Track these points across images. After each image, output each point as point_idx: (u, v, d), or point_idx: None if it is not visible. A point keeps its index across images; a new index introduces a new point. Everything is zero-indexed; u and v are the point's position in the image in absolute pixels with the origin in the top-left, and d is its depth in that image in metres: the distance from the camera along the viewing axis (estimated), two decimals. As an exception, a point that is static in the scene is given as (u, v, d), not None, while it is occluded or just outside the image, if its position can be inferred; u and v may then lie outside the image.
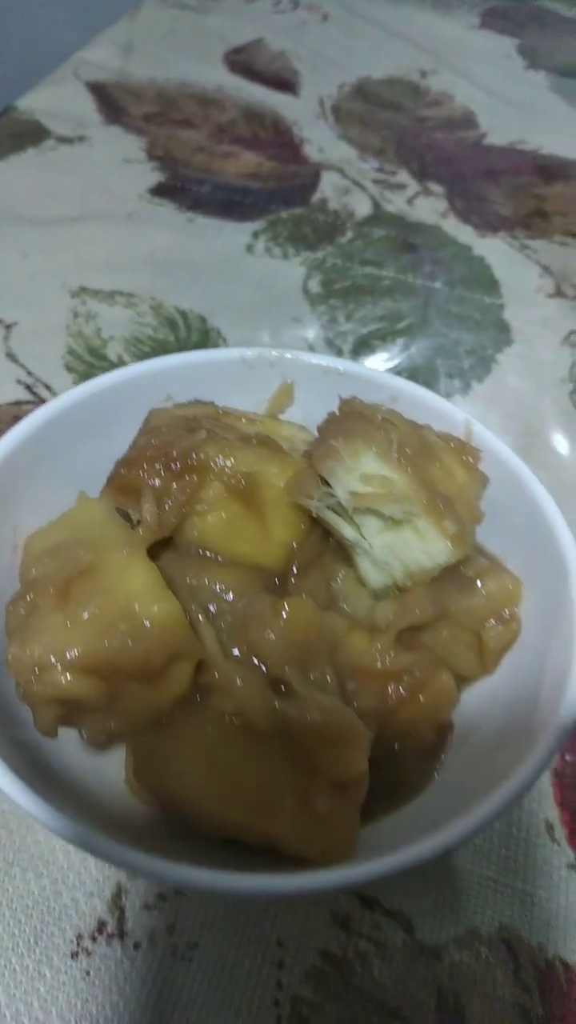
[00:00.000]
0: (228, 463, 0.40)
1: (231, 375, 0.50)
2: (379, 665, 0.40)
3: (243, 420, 0.48)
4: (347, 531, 0.41)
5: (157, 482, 0.40)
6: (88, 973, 0.42)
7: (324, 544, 0.43)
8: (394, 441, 0.41)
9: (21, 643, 0.36)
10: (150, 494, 0.40)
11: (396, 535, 0.41)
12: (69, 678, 0.35)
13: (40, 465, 0.45)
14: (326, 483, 0.41)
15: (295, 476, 0.41)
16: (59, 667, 0.35)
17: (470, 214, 0.93)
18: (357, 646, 0.40)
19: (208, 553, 0.42)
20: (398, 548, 0.41)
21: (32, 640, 0.36)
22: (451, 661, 0.43)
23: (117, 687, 0.36)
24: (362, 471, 0.40)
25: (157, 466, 0.40)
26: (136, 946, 0.43)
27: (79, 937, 0.43)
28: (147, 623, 0.36)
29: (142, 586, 0.37)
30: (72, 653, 0.35)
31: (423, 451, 0.42)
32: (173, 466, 0.40)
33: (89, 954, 0.43)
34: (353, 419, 0.42)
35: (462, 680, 0.44)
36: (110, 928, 0.43)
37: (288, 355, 0.50)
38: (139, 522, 0.42)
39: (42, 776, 0.37)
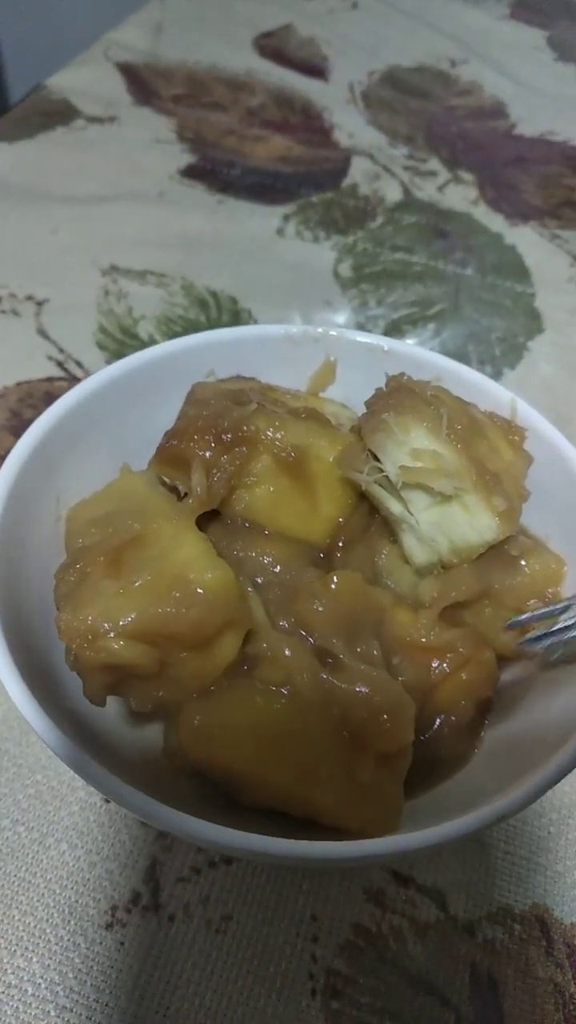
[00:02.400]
0: (278, 436, 0.40)
1: (275, 351, 0.50)
2: (423, 640, 0.40)
3: (286, 396, 0.48)
4: (394, 506, 0.41)
5: (207, 453, 0.40)
6: (122, 944, 0.42)
7: (370, 520, 0.43)
8: (444, 417, 0.41)
9: (73, 609, 0.36)
10: (200, 465, 0.40)
11: (444, 511, 0.41)
12: (122, 644, 0.35)
13: (84, 437, 0.45)
14: (375, 458, 0.41)
15: (345, 450, 0.41)
16: (112, 633, 0.35)
17: (501, 203, 0.93)
18: (402, 621, 0.40)
19: (255, 526, 0.41)
20: (445, 524, 0.41)
21: (84, 606, 0.35)
22: (492, 639, 0.43)
23: (168, 654, 0.36)
24: (412, 446, 0.40)
25: (207, 437, 0.40)
26: (171, 918, 0.43)
27: (113, 908, 0.43)
28: (200, 590, 0.35)
29: (195, 554, 0.37)
30: (126, 619, 0.35)
31: (471, 428, 0.42)
32: (224, 438, 0.40)
33: (124, 925, 0.43)
34: (403, 394, 0.41)
35: (502, 659, 0.44)
36: (144, 900, 0.43)
37: (332, 332, 0.50)
38: (186, 494, 0.42)
39: (85, 742, 0.37)
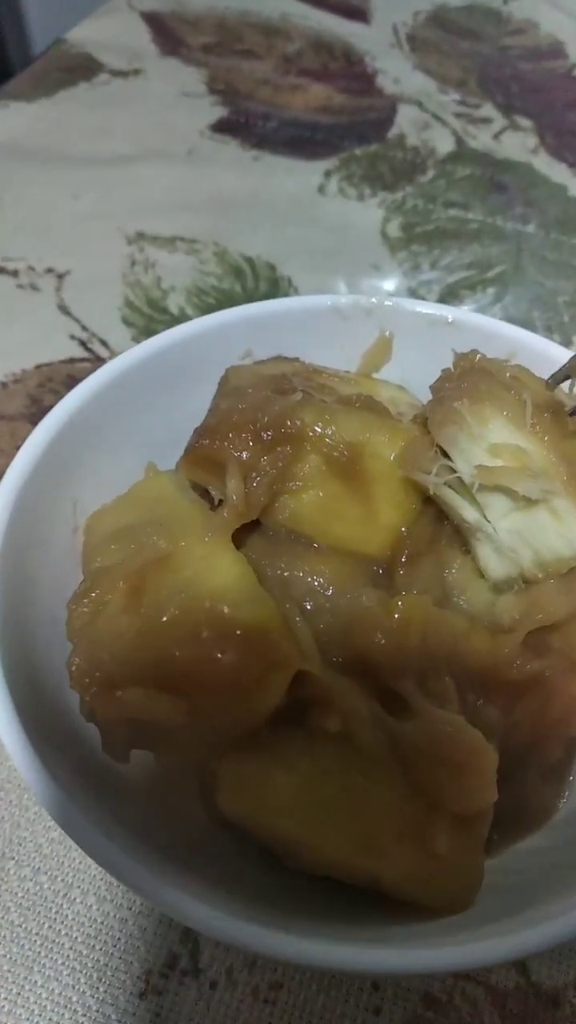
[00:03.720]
0: (328, 431, 0.34)
1: (321, 327, 0.43)
2: (507, 673, 0.33)
3: (335, 379, 0.41)
4: (468, 512, 0.34)
5: (245, 454, 0.33)
6: (158, 1015, 0.37)
7: (437, 528, 0.36)
8: (528, 404, 0.34)
9: (86, 651, 0.30)
10: (236, 468, 0.33)
11: (528, 517, 0.34)
12: (143, 695, 0.29)
13: (104, 432, 0.39)
14: (444, 455, 0.34)
15: (408, 446, 0.34)
16: (131, 682, 0.29)
17: (563, 150, 0.84)
18: (480, 649, 0.33)
19: (302, 539, 0.35)
20: (530, 533, 0.34)
21: (99, 648, 0.30)
22: None
23: (200, 704, 0.30)
24: (490, 440, 0.33)
25: (245, 435, 0.33)
26: (212, 985, 0.38)
27: (148, 973, 0.38)
28: (237, 629, 0.29)
29: (230, 581, 0.31)
30: (147, 665, 0.29)
31: (559, 418, 0.35)
32: (264, 435, 0.33)
33: (159, 993, 0.37)
34: (477, 377, 0.35)
35: None
36: (183, 963, 0.38)
37: (387, 302, 0.43)
38: (220, 501, 0.35)
39: (110, 807, 0.31)
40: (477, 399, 0.34)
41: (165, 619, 0.30)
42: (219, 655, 0.29)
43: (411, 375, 0.43)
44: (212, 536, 0.32)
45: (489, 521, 0.34)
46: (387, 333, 0.43)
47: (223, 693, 0.30)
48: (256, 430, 0.34)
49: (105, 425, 0.40)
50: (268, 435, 0.33)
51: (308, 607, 0.33)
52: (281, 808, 0.31)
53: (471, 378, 0.35)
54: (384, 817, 0.31)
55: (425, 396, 0.40)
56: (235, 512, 0.33)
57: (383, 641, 0.32)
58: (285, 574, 0.34)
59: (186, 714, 0.30)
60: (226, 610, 0.30)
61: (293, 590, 0.34)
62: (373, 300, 0.43)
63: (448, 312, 0.42)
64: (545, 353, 0.41)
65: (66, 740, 0.32)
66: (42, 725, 0.31)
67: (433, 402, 0.36)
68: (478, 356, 0.37)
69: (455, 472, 0.34)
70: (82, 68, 0.90)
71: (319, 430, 0.34)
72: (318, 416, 0.34)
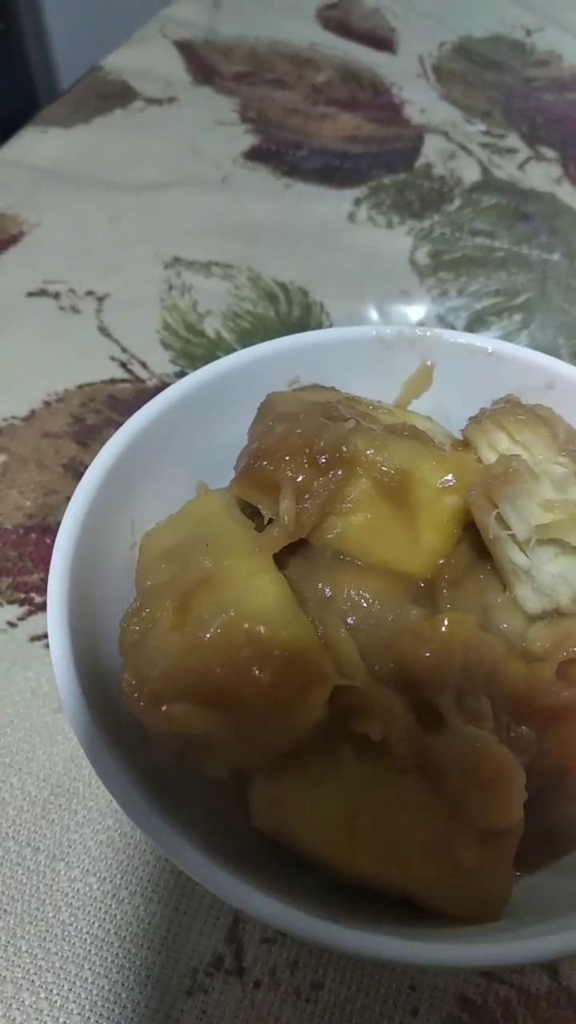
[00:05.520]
0: (380, 457, 0.35)
1: (365, 356, 0.45)
2: (541, 699, 0.35)
3: (372, 408, 0.43)
4: (517, 556, 0.36)
5: (301, 477, 0.35)
6: (204, 1012, 0.39)
7: (477, 555, 0.38)
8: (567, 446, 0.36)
9: (135, 667, 0.32)
10: (291, 490, 0.35)
11: (572, 561, 0.36)
12: (188, 711, 0.31)
13: (160, 454, 0.41)
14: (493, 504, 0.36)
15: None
16: (177, 698, 0.31)
17: (586, 181, 0.86)
18: (517, 674, 0.35)
19: (348, 558, 0.37)
20: (571, 574, 0.36)
21: (147, 664, 0.31)
22: None
23: (243, 719, 0.31)
24: (544, 497, 0.35)
25: (300, 458, 0.35)
26: (256, 984, 0.39)
27: (194, 971, 0.39)
28: (276, 649, 0.31)
29: (269, 602, 0.32)
30: (191, 682, 0.31)
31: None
32: (319, 459, 0.35)
33: (206, 992, 0.39)
34: (534, 423, 0.36)
35: None
36: (227, 963, 0.40)
37: (429, 333, 0.45)
38: (270, 521, 0.37)
39: (158, 798, 0.33)
40: (533, 446, 0.36)
41: (208, 637, 0.31)
42: (257, 672, 0.31)
43: (445, 405, 0.45)
44: (256, 555, 0.34)
45: (533, 563, 0.36)
46: (428, 363, 0.45)
47: (263, 709, 0.31)
48: (312, 454, 0.35)
49: (160, 449, 0.42)
50: (323, 459, 0.35)
51: (351, 621, 0.35)
52: (310, 824, 0.32)
53: (532, 426, 0.37)
54: (412, 831, 0.32)
55: (461, 424, 0.41)
56: (284, 531, 0.35)
57: (428, 655, 0.33)
58: (328, 591, 0.36)
59: (230, 728, 0.31)
60: (263, 630, 0.31)
61: (337, 606, 0.35)
62: (417, 331, 0.45)
63: (488, 343, 0.44)
64: (579, 381, 0.43)
65: (131, 741, 0.34)
66: (111, 729, 0.33)
67: (501, 459, 0.37)
68: (518, 400, 0.39)
69: (510, 531, 0.36)
70: (117, 95, 0.93)
71: (371, 456, 0.36)
72: (370, 443, 0.36)
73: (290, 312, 0.70)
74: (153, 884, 0.42)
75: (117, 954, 0.40)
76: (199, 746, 0.33)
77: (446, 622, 0.34)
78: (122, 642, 0.34)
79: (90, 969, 0.40)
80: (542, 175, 0.87)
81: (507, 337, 0.69)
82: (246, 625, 0.32)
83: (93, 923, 0.41)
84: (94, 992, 0.39)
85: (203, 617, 0.32)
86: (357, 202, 0.82)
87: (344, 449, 0.35)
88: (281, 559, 0.37)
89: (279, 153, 0.87)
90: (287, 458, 0.36)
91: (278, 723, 0.32)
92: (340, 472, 0.36)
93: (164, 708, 0.31)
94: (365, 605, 0.35)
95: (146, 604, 0.35)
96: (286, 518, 0.35)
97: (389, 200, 0.82)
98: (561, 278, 0.75)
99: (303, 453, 0.36)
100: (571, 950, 0.30)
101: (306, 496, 0.36)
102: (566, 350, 0.68)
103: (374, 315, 0.70)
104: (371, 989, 0.39)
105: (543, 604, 0.36)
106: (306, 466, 0.36)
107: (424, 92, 0.98)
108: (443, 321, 0.70)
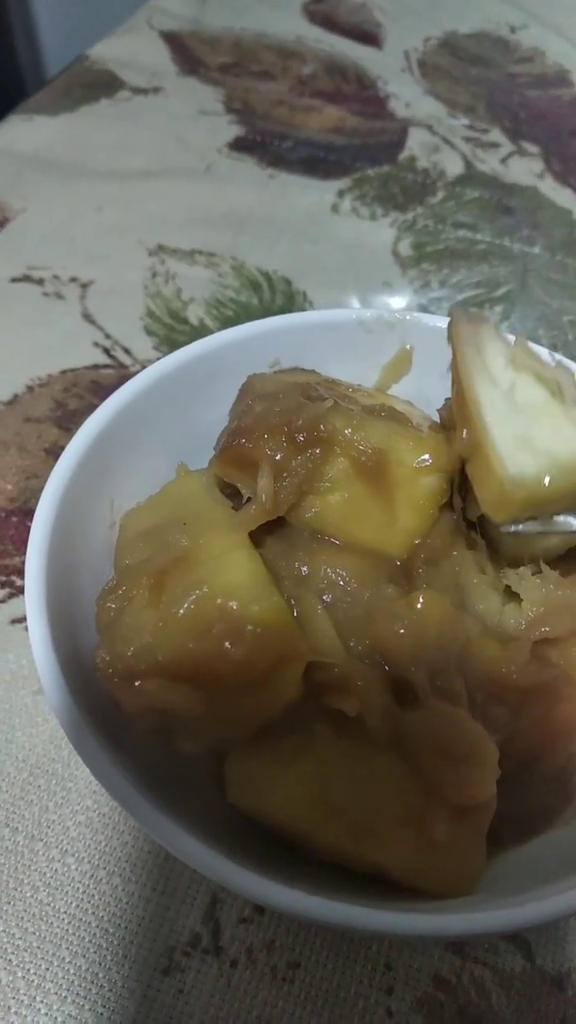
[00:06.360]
0: (357, 436, 0.36)
1: (345, 339, 0.45)
2: (515, 678, 0.35)
3: (351, 391, 0.44)
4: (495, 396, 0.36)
5: (279, 455, 0.35)
6: (181, 991, 0.39)
7: (453, 536, 0.38)
8: None
9: (110, 644, 0.32)
10: (269, 468, 0.35)
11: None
12: (161, 686, 0.31)
13: (140, 434, 0.42)
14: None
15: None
16: (151, 673, 0.31)
17: (568, 176, 0.87)
18: (490, 654, 0.35)
19: (325, 537, 0.37)
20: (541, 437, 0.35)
21: (122, 642, 0.32)
22: None
23: (216, 694, 0.32)
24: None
25: (279, 436, 0.35)
26: (233, 964, 0.39)
27: (171, 951, 0.39)
28: (248, 624, 0.31)
29: (242, 579, 0.33)
30: (165, 657, 0.31)
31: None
32: (297, 437, 0.35)
33: (183, 971, 0.39)
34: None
35: None
36: (204, 943, 0.40)
37: (408, 317, 0.45)
38: (248, 499, 0.37)
39: (138, 776, 0.33)
40: None
41: (181, 613, 0.32)
42: (230, 647, 0.31)
43: (428, 387, 0.46)
44: (231, 533, 0.34)
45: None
46: (408, 346, 0.46)
47: (236, 684, 0.31)
48: (291, 432, 0.36)
49: (140, 429, 0.42)
50: (302, 437, 0.36)
51: (328, 599, 0.35)
52: (285, 800, 0.32)
53: None
54: (386, 806, 0.32)
55: (438, 406, 0.42)
56: (262, 509, 0.35)
57: (403, 632, 0.34)
58: (305, 569, 0.36)
59: (204, 704, 0.31)
60: (235, 605, 0.31)
61: (313, 584, 0.36)
62: (396, 315, 0.45)
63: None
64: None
65: (110, 720, 0.34)
66: (90, 709, 0.33)
67: None
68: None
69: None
70: (104, 85, 0.93)
71: (349, 435, 0.36)
72: (348, 422, 0.36)
73: (273, 300, 0.70)
74: (131, 864, 0.42)
75: (95, 934, 0.40)
76: (174, 722, 0.33)
77: (421, 599, 0.34)
78: (98, 620, 0.34)
79: (67, 949, 0.40)
80: (524, 169, 0.87)
81: (489, 328, 0.70)
82: (219, 601, 0.32)
83: (71, 903, 0.41)
84: (71, 971, 0.39)
85: (177, 594, 0.32)
86: (341, 193, 0.82)
87: (322, 428, 0.36)
88: (259, 537, 0.37)
89: (264, 144, 0.87)
90: (266, 436, 0.36)
91: (252, 699, 0.32)
92: (318, 451, 0.36)
93: (137, 684, 0.31)
94: (342, 583, 0.36)
95: (122, 582, 0.35)
96: (263, 496, 0.35)
97: (373, 192, 0.82)
98: (542, 271, 0.75)
99: (281, 431, 0.36)
100: (539, 920, 0.30)
101: (284, 474, 0.36)
102: (546, 341, 0.69)
103: (356, 305, 0.71)
104: (347, 968, 0.40)
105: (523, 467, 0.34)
106: (284, 444, 0.36)
107: (409, 86, 0.98)
108: (425, 311, 0.70)
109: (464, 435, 0.36)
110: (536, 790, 0.38)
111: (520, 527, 0.36)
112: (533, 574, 0.38)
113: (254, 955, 0.40)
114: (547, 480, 0.33)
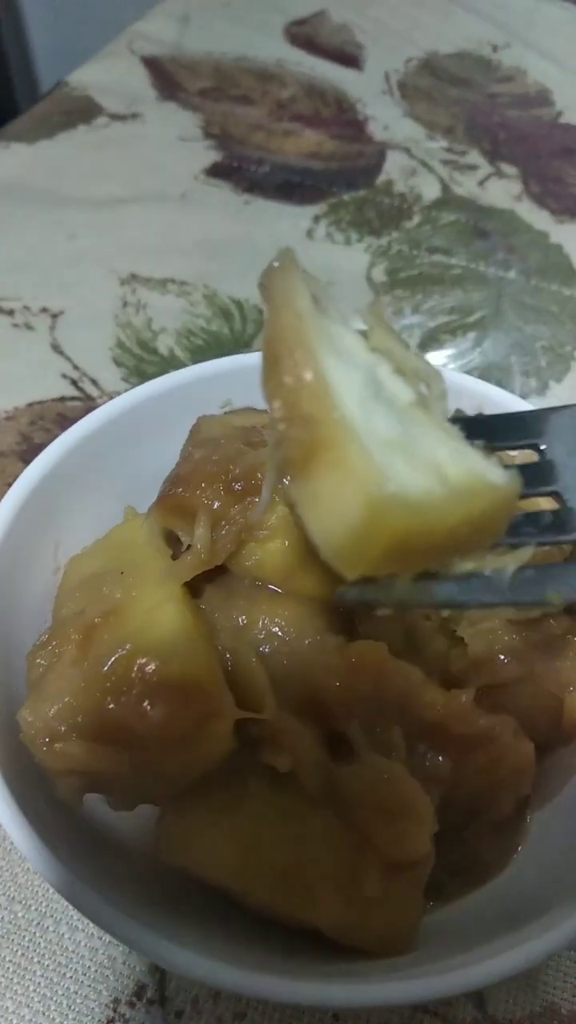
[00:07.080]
0: (296, 484, 0.35)
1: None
2: (458, 727, 0.35)
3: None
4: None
5: (216, 504, 0.35)
6: (125, 1043, 0.38)
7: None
8: None
9: (35, 705, 0.32)
10: (206, 517, 0.35)
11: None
12: (82, 748, 0.30)
13: (89, 475, 0.42)
14: None
15: None
16: (73, 735, 0.30)
17: (546, 198, 0.87)
18: (432, 702, 0.35)
19: (266, 585, 0.37)
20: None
21: (47, 701, 0.31)
22: (528, 727, 0.37)
23: (138, 754, 0.31)
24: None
25: (217, 486, 0.35)
26: (178, 1014, 0.39)
27: (115, 1002, 0.39)
28: (167, 683, 0.31)
29: (167, 635, 0.32)
30: (85, 719, 0.31)
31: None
32: (235, 486, 0.35)
33: (127, 1021, 0.39)
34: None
35: (539, 748, 0.38)
36: (150, 992, 0.39)
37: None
38: (188, 547, 0.37)
39: (69, 838, 0.33)
40: None
41: (104, 672, 0.31)
42: (148, 707, 0.30)
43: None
44: (165, 585, 0.34)
45: None
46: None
47: (157, 744, 0.31)
48: (228, 480, 0.35)
49: (89, 470, 0.42)
50: (239, 486, 0.35)
51: (265, 650, 0.35)
52: (215, 859, 0.32)
53: None
54: (319, 863, 0.32)
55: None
56: (198, 559, 0.35)
57: (338, 684, 0.33)
58: (243, 619, 0.36)
59: (126, 764, 0.31)
60: (154, 665, 0.31)
61: (251, 634, 0.35)
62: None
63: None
64: (508, 406, 0.43)
65: (45, 788, 0.33)
66: (23, 777, 0.32)
67: None
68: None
69: None
70: (82, 111, 0.93)
71: (287, 482, 0.35)
72: (285, 468, 0.36)
73: (244, 330, 0.70)
74: (79, 913, 0.41)
75: (39, 983, 0.40)
76: (99, 783, 0.32)
77: (355, 650, 0.34)
78: (28, 677, 0.34)
79: (11, 999, 0.39)
80: (502, 192, 0.87)
81: (460, 355, 0.69)
82: (140, 660, 0.31)
83: (16, 951, 0.40)
84: (14, 1021, 0.39)
85: (103, 652, 0.32)
86: (316, 219, 0.82)
87: (259, 476, 0.35)
88: (199, 586, 0.37)
89: (240, 169, 0.87)
90: (203, 485, 0.36)
91: (176, 757, 0.31)
92: (257, 499, 0.36)
93: (58, 746, 0.31)
94: (280, 633, 0.35)
95: (53, 636, 0.34)
96: (199, 545, 0.35)
97: (348, 217, 0.82)
98: (516, 295, 0.75)
99: (219, 480, 0.36)
100: (483, 982, 0.30)
101: (223, 523, 0.36)
102: (518, 368, 0.68)
103: (328, 333, 0.70)
104: (294, 1019, 0.39)
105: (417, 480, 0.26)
106: (222, 493, 0.36)
107: (388, 108, 0.98)
108: (397, 339, 0.70)
109: (290, 431, 0.24)
110: (481, 840, 0.37)
111: (356, 592, 0.29)
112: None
113: (200, 1005, 0.39)
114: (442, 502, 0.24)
